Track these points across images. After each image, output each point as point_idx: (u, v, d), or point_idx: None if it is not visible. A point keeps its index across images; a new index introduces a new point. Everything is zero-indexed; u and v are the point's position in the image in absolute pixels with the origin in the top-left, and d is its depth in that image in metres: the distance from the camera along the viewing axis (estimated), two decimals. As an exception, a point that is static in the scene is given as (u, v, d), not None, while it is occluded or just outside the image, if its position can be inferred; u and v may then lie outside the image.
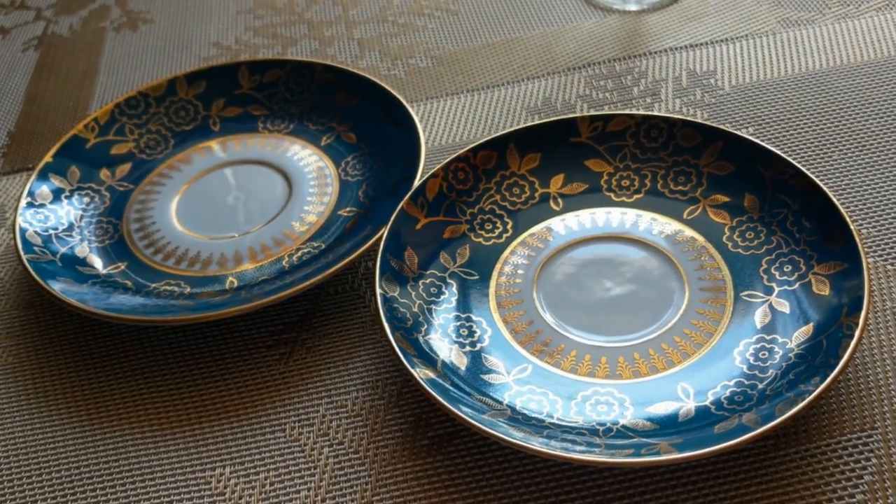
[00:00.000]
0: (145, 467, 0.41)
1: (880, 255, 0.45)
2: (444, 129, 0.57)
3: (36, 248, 0.48)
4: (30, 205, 0.51)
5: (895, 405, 0.39)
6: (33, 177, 0.52)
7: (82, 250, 0.50)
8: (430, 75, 0.61)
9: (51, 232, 0.50)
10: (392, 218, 0.45)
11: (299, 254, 0.48)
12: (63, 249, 0.49)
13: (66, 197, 0.52)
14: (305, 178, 0.53)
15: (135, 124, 0.56)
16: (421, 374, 0.38)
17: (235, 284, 0.47)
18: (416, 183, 0.47)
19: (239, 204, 0.52)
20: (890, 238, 0.46)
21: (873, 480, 0.37)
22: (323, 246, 0.48)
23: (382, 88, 0.54)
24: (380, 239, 0.44)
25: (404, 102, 0.53)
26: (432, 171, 0.48)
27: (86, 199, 0.53)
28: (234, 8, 0.71)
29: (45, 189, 0.52)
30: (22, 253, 0.47)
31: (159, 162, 0.55)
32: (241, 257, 0.49)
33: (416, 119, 0.51)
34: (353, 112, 0.55)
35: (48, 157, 0.53)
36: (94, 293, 0.46)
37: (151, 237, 0.50)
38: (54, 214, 0.51)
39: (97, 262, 0.49)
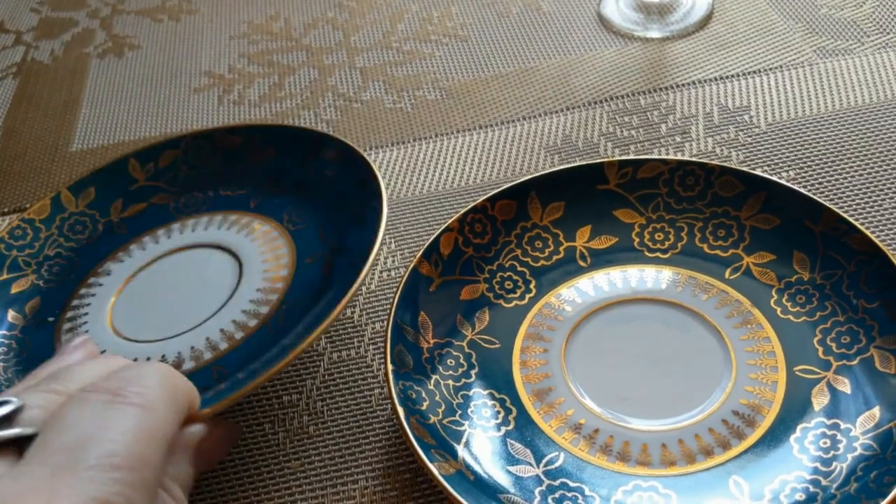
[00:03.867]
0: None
1: (945, 321, 0.41)
2: (456, 171, 0.52)
3: None
4: None
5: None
6: None
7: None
8: (439, 109, 0.57)
9: None
10: (404, 279, 0.41)
11: (282, 316, 0.41)
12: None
13: None
14: (248, 244, 0.46)
15: (28, 255, 0.48)
16: (440, 469, 0.34)
17: (225, 372, 0.40)
18: (384, 199, 0.41)
19: (187, 293, 0.44)
20: (954, 301, 0.41)
21: None
22: (305, 299, 0.41)
23: (296, 129, 0.48)
24: (371, 268, 0.38)
25: (325, 132, 0.47)
26: (446, 224, 0.43)
27: (2, 350, 0.44)
28: (227, 33, 0.67)
29: None
30: None
31: (73, 285, 0.47)
32: (215, 344, 0.41)
33: (344, 139, 0.46)
34: (271, 165, 0.49)
35: None
36: None
37: None
38: None
39: None
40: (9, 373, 0.42)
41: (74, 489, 0.26)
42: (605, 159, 0.45)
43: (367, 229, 0.41)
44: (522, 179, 0.45)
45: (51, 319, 0.45)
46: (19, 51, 0.69)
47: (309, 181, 0.48)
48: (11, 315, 0.46)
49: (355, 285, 0.37)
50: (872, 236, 0.40)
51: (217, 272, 0.45)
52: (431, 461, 0.34)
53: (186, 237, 0.48)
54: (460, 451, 0.36)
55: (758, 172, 0.44)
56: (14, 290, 0.47)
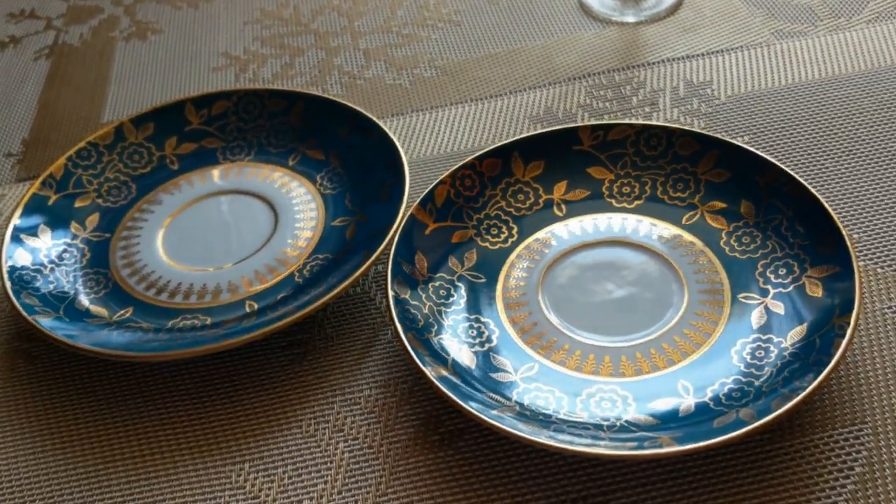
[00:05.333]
0: (168, 464, 0.43)
1: (871, 259, 0.47)
2: (449, 138, 0.58)
3: (37, 309, 0.47)
4: (13, 269, 0.49)
5: (884, 401, 0.41)
6: (6, 242, 0.50)
7: (81, 303, 0.49)
8: (434, 85, 0.63)
9: (44, 291, 0.49)
10: (402, 223, 0.47)
11: (308, 267, 0.49)
12: (63, 305, 0.48)
13: (45, 256, 0.51)
14: (284, 198, 0.54)
15: (91, 175, 0.56)
16: (432, 372, 0.40)
17: (256, 307, 0.47)
18: (407, 185, 0.49)
19: (228, 233, 0.53)
20: (879, 242, 0.48)
21: (864, 471, 0.39)
22: (331, 256, 0.49)
23: (338, 104, 0.56)
24: (391, 242, 0.46)
25: (365, 112, 0.54)
26: (440, 178, 0.50)
27: (65, 255, 0.52)
28: (242, 19, 0.73)
29: (21, 252, 0.51)
30: (25, 314, 0.46)
31: (127, 208, 0.55)
32: (250, 281, 0.49)
33: (383, 125, 0.53)
34: (313, 131, 0.56)
35: (15, 219, 0.52)
36: (121, 337, 0.45)
37: (149, 279, 0.50)
38: (40, 275, 0.50)
39: (102, 312, 0.48)
40: (70, 276, 0.51)
41: None
42: (580, 124, 0.52)
43: (388, 206, 0.49)
44: (507, 141, 0.51)
45: (107, 235, 0.53)
46: (50, 35, 0.75)
47: (343, 152, 0.55)
48: (74, 226, 0.54)
49: (374, 256, 0.45)
50: (808, 185, 0.46)
51: (256, 219, 0.53)
52: (425, 365, 0.40)
53: (232, 182, 0.56)
54: (450, 360, 0.42)
55: (712, 134, 0.50)
56: (77, 204, 0.55)
